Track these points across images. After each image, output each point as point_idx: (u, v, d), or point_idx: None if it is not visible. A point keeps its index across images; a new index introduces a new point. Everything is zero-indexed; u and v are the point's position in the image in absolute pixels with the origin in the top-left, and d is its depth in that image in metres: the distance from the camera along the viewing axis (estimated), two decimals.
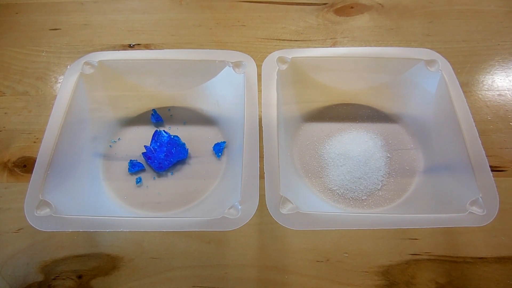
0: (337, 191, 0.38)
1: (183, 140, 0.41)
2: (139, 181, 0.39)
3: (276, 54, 0.38)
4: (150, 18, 0.55)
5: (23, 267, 0.36)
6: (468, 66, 0.49)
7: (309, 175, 0.39)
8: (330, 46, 0.51)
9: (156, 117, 0.43)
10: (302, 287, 0.35)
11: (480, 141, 0.33)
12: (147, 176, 0.40)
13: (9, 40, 0.53)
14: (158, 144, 0.40)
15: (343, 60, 0.39)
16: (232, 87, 0.39)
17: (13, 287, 0.35)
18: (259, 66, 0.38)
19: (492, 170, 0.32)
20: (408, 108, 0.42)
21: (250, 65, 0.38)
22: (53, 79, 0.49)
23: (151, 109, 0.44)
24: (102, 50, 0.51)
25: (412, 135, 0.42)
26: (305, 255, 0.36)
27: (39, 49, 0.51)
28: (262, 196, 0.31)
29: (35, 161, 0.32)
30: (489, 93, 0.47)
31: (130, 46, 0.52)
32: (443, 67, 0.38)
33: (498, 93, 0.47)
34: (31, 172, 0.32)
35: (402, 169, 0.39)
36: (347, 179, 0.38)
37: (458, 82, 0.37)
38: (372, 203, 0.38)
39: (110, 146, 0.41)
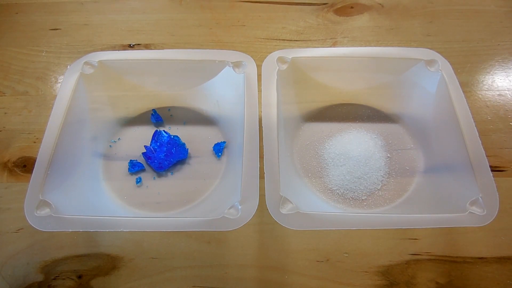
0: (337, 191, 0.38)
1: (183, 140, 0.41)
2: (139, 181, 0.39)
3: (276, 54, 0.38)
4: (150, 18, 0.55)
5: (23, 267, 0.36)
6: (468, 66, 0.49)
7: (309, 175, 0.39)
8: (330, 46, 0.51)
9: (156, 117, 0.43)
10: (302, 287, 0.35)
11: (480, 141, 0.33)
12: (147, 176, 0.40)
13: (9, 40, 0.53)
14: (158, 144, 0.40)
15: (343, 60, 0.39)
16: (232, 87, 0.39)
17: (13, 287, 0.35)
18: (259, 66, 0.38)
19: (492, 170, 0.32)
20: (408, 108, 0.42)
21: (250, 65, 0.38)
22: (53, 79, 0.49)
23: (151, 109, 0.44)
24: (102, 50, 0.51)
25: (412, 135, 0.42)
26: (305, 255, 0.36)
27: (39, 49, 0.51)
28: (262, 196, 0.31)
29: (35, 161, 0.32)
30: (489, 93, 0.46)
31: (130, 46, 0.52)
32: (443, 67, 0.38)
33: (498, 93, 0.46)
34: (31, 172, 0.32)
35: (402, 169, 0.39)
36: (347, 179, 0.38)
37: (458, 82, 0.37)
38: (372, 203, 0.38)
39: (110, 146, 0.41)
